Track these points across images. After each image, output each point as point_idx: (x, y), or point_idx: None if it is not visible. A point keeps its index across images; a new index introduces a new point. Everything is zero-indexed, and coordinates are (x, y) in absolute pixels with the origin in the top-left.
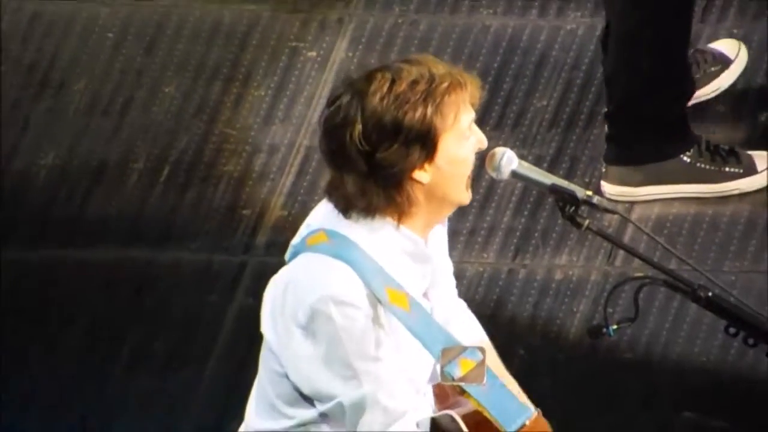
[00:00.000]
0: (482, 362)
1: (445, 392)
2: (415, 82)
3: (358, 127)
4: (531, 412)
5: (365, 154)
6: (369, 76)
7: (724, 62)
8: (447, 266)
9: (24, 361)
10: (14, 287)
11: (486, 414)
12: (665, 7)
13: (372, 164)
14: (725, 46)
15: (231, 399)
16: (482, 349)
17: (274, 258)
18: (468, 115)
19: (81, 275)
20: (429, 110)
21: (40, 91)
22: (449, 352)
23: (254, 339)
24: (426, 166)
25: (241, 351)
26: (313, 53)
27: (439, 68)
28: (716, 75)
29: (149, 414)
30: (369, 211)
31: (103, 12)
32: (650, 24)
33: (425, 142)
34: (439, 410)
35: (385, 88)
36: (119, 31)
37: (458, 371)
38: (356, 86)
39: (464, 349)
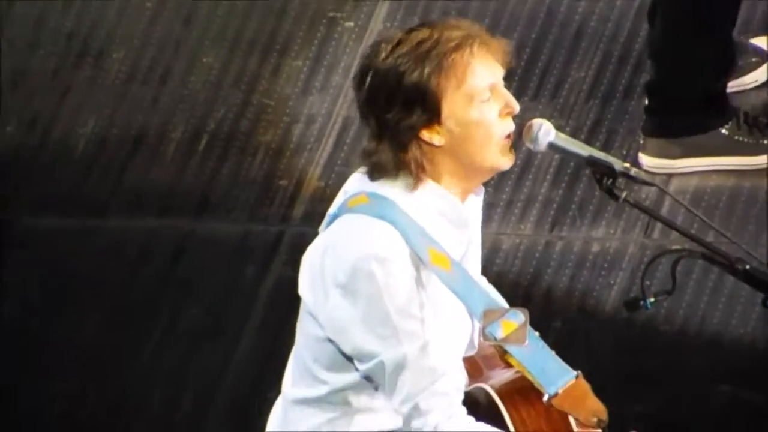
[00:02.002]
0: (524, 324)
1: (477, 367)
2: (420, 43)
3: (366, 86)
4: (573, 374)
5: (374, 114)
6: (387, 38)
7: (762, 56)
8: (478, 240)
9: (59, 330)
10: (52, 255)
11: (527, 375)
12: None
13: (381, 124)
14: (762, 42)
15: (267, 369)
16: (524, 311)
17: (311, 228)
18: (482, 77)
19: (118, 245)
20: (426, 69)
21: (79, 60)
22: (492, 313)
23: (291, 309)
24: (436, 127)
25: (277, 321)
26: (351, 23)
27: (453, 31)
28: (756, 66)
29: (185, 384)
30: (380, 170)
31: None
32: (698, 2)
33: (424, 102)
34: (471, 384)
35: (389, 48)
36: (158, 1)
37: (500, 332)
38: (373, 46)
39: (507, 310)
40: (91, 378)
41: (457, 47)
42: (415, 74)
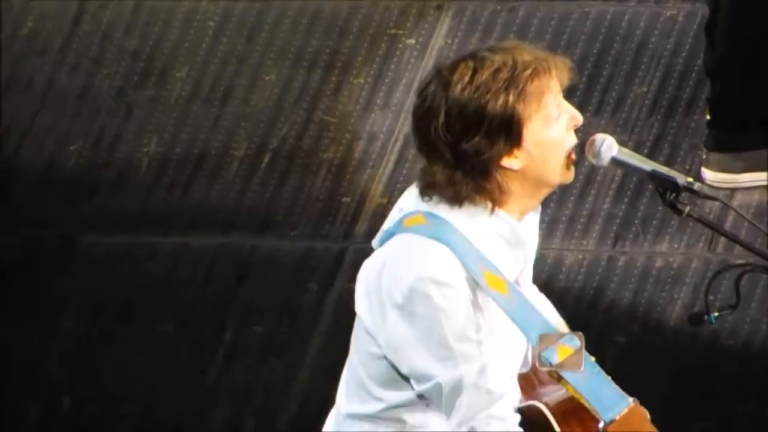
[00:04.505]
0: (580, 349)
1: (531, 383)
2: (497, 71)
3: (441, 117)
4: (629, 401)
5: (450, 144)
6: (453, 65)
7: None
8: (533, 257)
9: (124, 348)
10: (116, 272)
11: (583, 401)
12: None
13: (457, 154)
14: None
15: (332, 386)
16: (580, 336)
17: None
18: (554, 98)
19: (182, 262)
20: (511, 98)
21: (143, 79)
22: (547, 337)
23: (353, 326)
24: (515, 152)
25: (341, 337)
26: (412, 40)
27: (524, 55)
28: None
29: (249, 400)
30: (457, 200)
31: (204, 0)
32: (757, 17)
33: (509, 130)
34: (525, 401)
35: (467, 78)
36: (220, 20)
37: (556, 357)
38: (441, 75)
39: (563, 335)
40: (155, 397)
41: (535, 72)
42: (500, 103)
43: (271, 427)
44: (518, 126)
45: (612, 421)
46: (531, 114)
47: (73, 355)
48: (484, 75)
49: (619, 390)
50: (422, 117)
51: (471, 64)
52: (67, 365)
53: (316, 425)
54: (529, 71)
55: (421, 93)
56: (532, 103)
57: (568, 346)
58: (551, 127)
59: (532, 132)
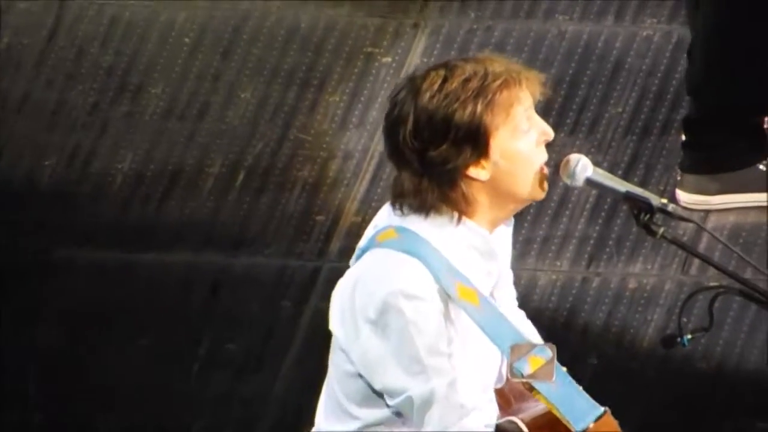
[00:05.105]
0: (552, 359)
1: (506, 400)
2: (467, 80)
3: (410, 124)
4: (601, 410)
5: (417, 152)
6: (425, 73)
7: None
8: (509, 271)
9: (99, 363)
10: (90, 290)
11: (555, 412)
12: (751, 21)
13: (424, 162)
14: None
15: (305, 402)
16: (552, 347)
17: (347, 264)
18: (525, 110)
19: (156, 279)
20: (479, 108)
21: (118, 95)
22: (519, 348)
23: (328, 343)
24: (483, 162)
25: (315, 355)
26: (388, 59)
27: (496, 65)
28: None
29: (224, 418)
30: (423, 208)
31: (181, 16)
32: (737, 38)
33: (476, 140)
34: (501, 417)
35: (436, 86)
36: (196, 36)
37: (528, 368)
38: (412, 83)
39: (534, 346)
40: (131, 411)
41: (505, 83)
42: (467, 112)
43: None
44: (485, 136)
45: (585, 431)
46: (498, 125)
47: (45, 367)
48: (453, 83)
49: (591, 400)
50: (392, 123)
51: (442, 72)
52: (40, 378)
53: None
54: (498, 81)
55: (393, 99)
56: (500, 114)
57: (540, 356)
58: (519, 140)
59: (499, 143)
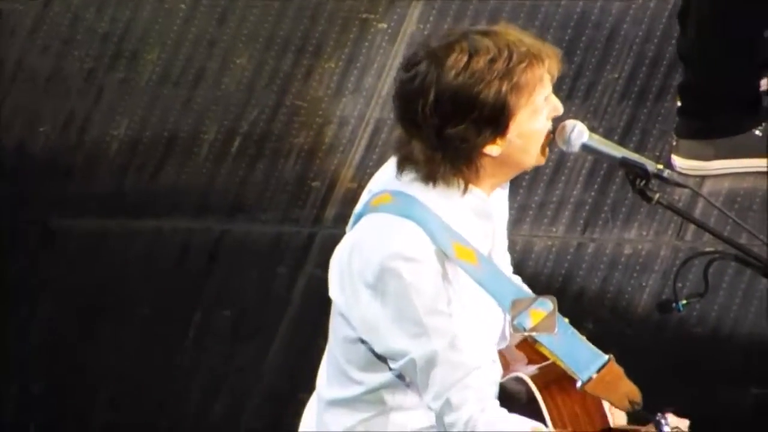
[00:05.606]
0: (553, 312)
1: (506, 362)
2: (493, 60)
3: (431, 98)
4: (604, 358)
5: (435, 126)
6: (448, 47)
7: None
8: (504, 235)
9: (97, 332)
10: (86, 258)
11: (559, 363)
12: None
13: (442, 137)
14: None
15: (300, 368)
16: (552, 299)
17: (343, 230)
18: (545, 90)
19: (152, 246)
20: (504, 89)
21: (113, 61)
22: (519, 303)
23: (323, 310)
24: (498, 140)
25: (309, 321)
26: (384, 25)
27: (519, 44)
28: None
29: (220, 381)
30: (432, 178)
31: None
32: (730, 2)
33: (497, 121)
34: (504, 376)
35: (461, 63)
36: (191, 2)
37: (529, 322)
38: (435, 55)
39: (534, 299)
40: (129, 378)
41: (529, 65)
42: (492, 93)
43: (244, 404)
44: (506, 118)
45: (589, 380)
46: (521, 107)
47: (44, 337)
48: (480, 62)
49: (594, 349)
50: (411, 93)
51: (466, 48)
52: (39, 348)
53: (286, 405)
54: (524, 64)
55: (411, 69)
56: (524, 96)
57: (541, 309)
58: (536, 119)
59: (518, 123)
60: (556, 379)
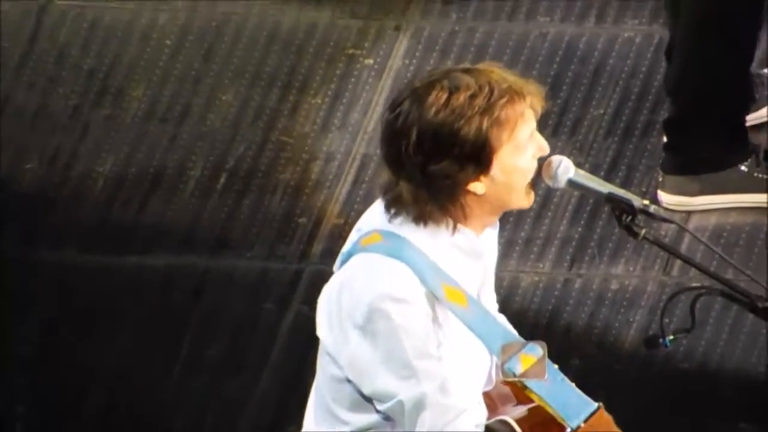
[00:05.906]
0: (543, 357)
1: (493, 403)
2: (473, 96)
3: (414, 136)
4: (594, 406)
5: (419, 164)
6: (429, 85)
7: None
8: (492, 274)
9: (81, 364)
10: (71, 292)
11: (549, 409)
12: (731, 20)
13: (426, 174)
14: None
15: (286, 405)
16: (542, 344)
17: (329, 266)
18: (528, 126)
19: (138, 281)
20: (485, 125)
21: (99, 97)
22: (509, 347)
23: (309, 346)
24: (482, 177)
25: (296, 358)
26: (370, 61)
27: (500, 81)
28: None
29: (206, 420)
30: (421, 218)
31: (162, 18)
32: (716, 37)
33: (480, 156)
34: (490, 418)
35: (442, 100)
36: (177, 38)
37: (519, 367)
38: (417, 94)
39: (525, 344)
40: (111, 412)
41: (510, 101)
42: (473, 129)
43: None
44: (488, 153)
45: (578, 428)
46: (503, 142)
47: (27, 370)
48: (460, 99)
49: (584, 396)
50: (394, 134)
51: (447, 85)
52: (24, 379)
53: None
54: (504, 99)
55: (395, 109)
56: (505, 131)
57: (531, 355)
58: (520, 156)
59: (501, 159)
60: (542, 422)
